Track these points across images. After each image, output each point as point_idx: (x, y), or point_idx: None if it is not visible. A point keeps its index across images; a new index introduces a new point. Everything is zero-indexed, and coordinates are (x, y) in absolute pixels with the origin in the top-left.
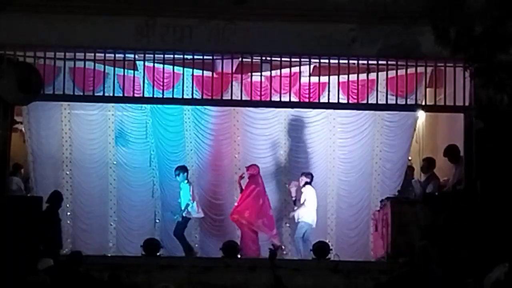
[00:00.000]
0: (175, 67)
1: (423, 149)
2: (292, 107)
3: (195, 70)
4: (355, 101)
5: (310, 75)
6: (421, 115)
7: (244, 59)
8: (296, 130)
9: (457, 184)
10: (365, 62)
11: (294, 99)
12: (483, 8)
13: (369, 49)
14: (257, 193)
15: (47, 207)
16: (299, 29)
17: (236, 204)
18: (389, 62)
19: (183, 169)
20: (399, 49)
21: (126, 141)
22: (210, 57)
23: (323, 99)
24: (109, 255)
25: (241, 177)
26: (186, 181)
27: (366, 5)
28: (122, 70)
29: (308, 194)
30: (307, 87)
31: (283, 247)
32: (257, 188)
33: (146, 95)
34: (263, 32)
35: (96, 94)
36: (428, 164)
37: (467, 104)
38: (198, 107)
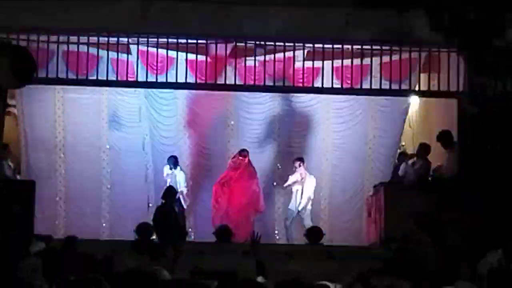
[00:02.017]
0: (169, 51)
1: (416, 134)
2: (286, 92)
3: (189, 55)
4: (349, 86)
5: (304, 60)
6: (415, 100)
7: (238, 44)
8: (290, 115)
9: (451, 169)
10: (359, 47)
11: (288, 84)
12: None
13: (363, 34)
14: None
15: (162, 203)
16: (293, 13)
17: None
18: (383, 47)
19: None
20: (393, 34)
21: (119, 125)
22: (204, 42)
23: (317, 84)
24: (102, 239)
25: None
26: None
27: None
28: (115, 53)
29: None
30: (301, 72)
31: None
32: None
33: (140, 79)
34: (257, 16)
35: (89, 78)
36: (423, 149)
37: (461, 89)
38: (191, 91)
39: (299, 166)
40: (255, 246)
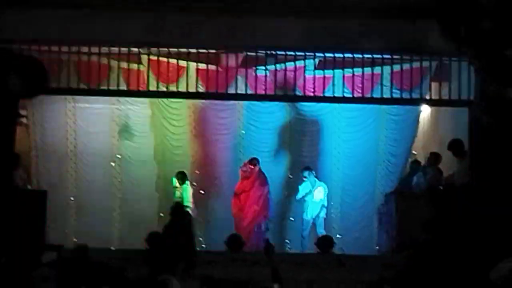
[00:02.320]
0: (180, 61)
1: (427, 143)
2: (296, 101)
3: (199, 64)
4: (360, 95)
5: (315, 69)
6: (426, 109)
7: (248, 53)
8: (300, 124)
9: (462, 178)
10: (370, 56)
11: (299, 93)
12: (491, 2)
13: (376, 44)
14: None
15: (171, 221)
16: (306, 24)
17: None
18: (394, 56)
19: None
20: (406, 43)
21: (130, 135)
22: (215, 51)
23: (328, 93)
24: (113, 248)
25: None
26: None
27: (373, 0)
28: (126, 64)
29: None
30: (312, 81)
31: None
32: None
33: (151, 88)
34: (270, 27)
35: (100, 88)
36: (434, 158)
37: (472, 98)
38: (202, 101)
39: (308, 175)
40: (269, 253)
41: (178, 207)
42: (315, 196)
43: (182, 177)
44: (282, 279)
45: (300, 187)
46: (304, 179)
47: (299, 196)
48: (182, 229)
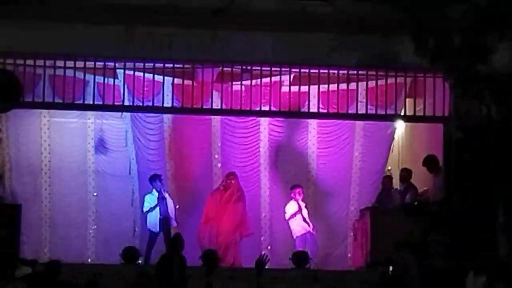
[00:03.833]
0: (155, 76)
1: (402, 159)
2: (272, 117)
3: (175, 79)
4: (335, 111)
5: (290, 85)
6: (401, 125)
7: (224, 68)
8: (275, 139)
9: (436, 193)
10: (345, 72)
11: (274, 108)
12: (462, 19)
13: (348, 59)
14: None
15: (171, 252)
16: (279, 39)
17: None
18: (369, 72)
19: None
20: (378, 59)
21: (105, 149)
22: (191, 66)
23: (303, 109)
24: (88, 263)
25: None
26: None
27: (346, 15)
28: (102, 78)
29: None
30: (288, 97)
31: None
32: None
33: (126, 103)
34: (243, 41)
35: (76, 102)
36: (407, 174)
37: (446, 114)
38: (177, 115)
39: (299, 194)
40: (259, 268)
41: (180, 238)
42: (303, 213)
43: (161, 179)
44: None
45: (287, 207)
46: (297, 196)
47: (288, 217)
48: (177, 259)
